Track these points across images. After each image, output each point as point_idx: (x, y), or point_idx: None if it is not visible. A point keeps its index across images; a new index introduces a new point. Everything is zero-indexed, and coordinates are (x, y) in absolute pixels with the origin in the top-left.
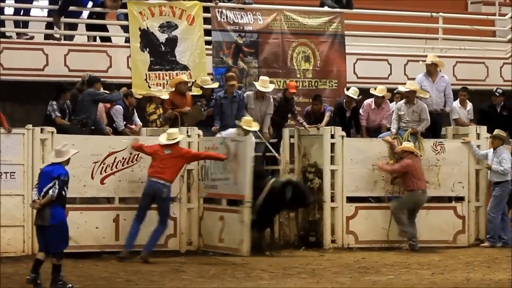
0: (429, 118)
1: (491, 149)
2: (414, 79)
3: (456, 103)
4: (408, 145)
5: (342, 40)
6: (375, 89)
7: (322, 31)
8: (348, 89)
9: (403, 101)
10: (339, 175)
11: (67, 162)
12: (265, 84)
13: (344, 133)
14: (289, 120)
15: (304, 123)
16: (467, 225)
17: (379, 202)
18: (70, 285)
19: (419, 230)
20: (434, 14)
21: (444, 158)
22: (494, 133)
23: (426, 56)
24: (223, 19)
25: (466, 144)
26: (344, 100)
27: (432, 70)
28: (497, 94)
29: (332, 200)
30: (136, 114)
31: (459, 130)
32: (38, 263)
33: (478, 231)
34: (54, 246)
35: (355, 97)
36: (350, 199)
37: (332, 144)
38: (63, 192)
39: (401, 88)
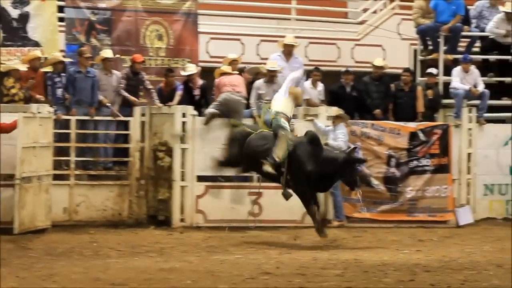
0: None
1: (332, 127)
2: (267, 59)
3: (308, 84)
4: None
5: (195, 19)
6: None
7: (175, 9)
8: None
9: (262, 80)
10: (189, 154)
11: None
12: (108, 53)
13: (195, 112)
14: (141, 98)
15: (157, 101)
16: None
17: (229, 181)
18: None
19: (268, 210)
20: None
21: None
22: (335, 112)
23: (279, 36)
24: None
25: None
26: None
27: (290, 50)
28: (348, 72)
29: (182, 179)
30: None
31: (310, 111)
32: None
33: (326, 211)
34: None
35: (193, 71)
36: (201, 178)
37: (183, 123)
38: None
39: (266, 67)
